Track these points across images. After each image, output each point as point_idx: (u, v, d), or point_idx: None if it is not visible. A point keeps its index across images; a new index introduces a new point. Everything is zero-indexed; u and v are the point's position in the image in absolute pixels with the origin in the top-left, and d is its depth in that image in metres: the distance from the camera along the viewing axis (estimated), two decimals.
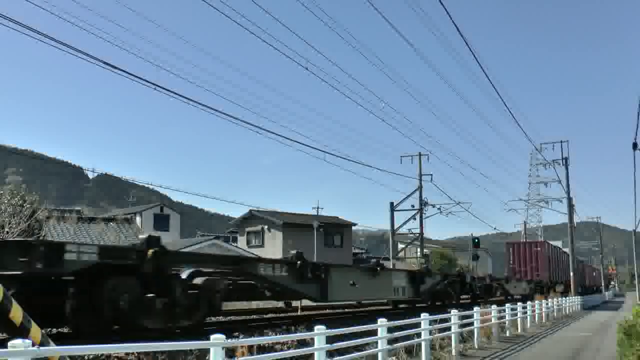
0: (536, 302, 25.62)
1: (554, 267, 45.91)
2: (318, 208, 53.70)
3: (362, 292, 16.84)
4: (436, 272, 25.88)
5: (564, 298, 34.95)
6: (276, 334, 11.03)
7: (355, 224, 50.74)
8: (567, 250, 48.96)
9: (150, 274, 9.63)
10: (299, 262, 13.91)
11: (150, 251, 9.69)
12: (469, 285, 26.43)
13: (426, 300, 22.71)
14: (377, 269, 17.63)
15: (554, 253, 47.46)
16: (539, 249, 44.32)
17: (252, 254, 31.68)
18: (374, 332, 10.12)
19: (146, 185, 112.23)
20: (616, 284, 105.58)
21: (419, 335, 11.85)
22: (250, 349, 8.49)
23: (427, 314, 12.45)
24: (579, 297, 40.21)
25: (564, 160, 45.38)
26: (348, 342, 9.12)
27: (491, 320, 17.21)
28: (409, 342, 11.58)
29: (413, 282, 20.18)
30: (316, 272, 14.42)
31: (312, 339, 8.24)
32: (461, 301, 25.45)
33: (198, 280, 10.63)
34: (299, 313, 18.27)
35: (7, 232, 19.91)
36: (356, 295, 17.29)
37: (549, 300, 29.60)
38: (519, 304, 21.92)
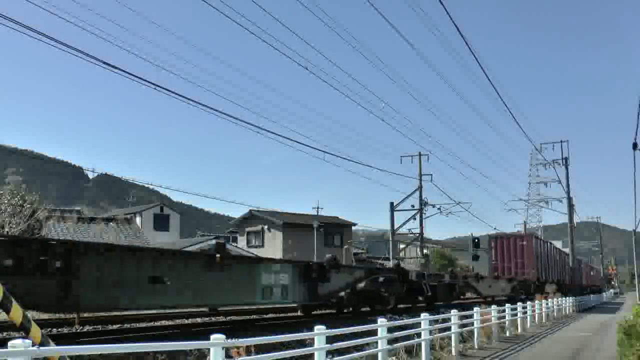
0: (536, 302, 25.62)
1: (544, 265, 40.88)
2: (318, 208, 53.76)
3: (181, 294, 10.32)
4: (356, 266, 19.92)
5: (562, 299, 34.72)
6: (276, 334, 11.03)
7: (355, 224, 50.76)
8: (567, 250, 48.98)
9: None
10: None
11: None
12: (417, 285, 20.15)
13: (340, 304, 16.91)
14: (216, 257, 11.07)
15: (544, 249, 42.19)
16: (524, 242, 38.65)
17: (252, 254, 31.68)
18: (374, 332, 10.12)
19: (146, 185, 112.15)
20: (616, 284, 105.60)
21: (419, 335, 11.85)
22: (249, 349, 8.49)
23: (427, 314, 12.44)
24: (570, 298, 37.33)
25: (564, 160, 45.45)
26: (348, 342, 9.12)
27: (491, 320, 17.21)
28: (409, 342, 11.58)
29: (306, 280, 13.88)
30: (41, 258, 8.23)
31: (312, 339, 8.24)
32: (416, 305, 20.79)
33: None
34: (298, 313, 18.25)
35: (7, 232, 19.92)
36: (159, 300, 10.15)
37: (549, 301, 29.57)
38: (507, 305, 19.57)
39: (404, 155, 43.40)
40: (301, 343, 8.51)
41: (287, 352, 7.64)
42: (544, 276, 40.96)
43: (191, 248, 35.18)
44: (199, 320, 15.37)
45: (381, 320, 10.25)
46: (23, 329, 5.75)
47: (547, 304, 27.51)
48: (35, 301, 8.23)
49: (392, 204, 41.81)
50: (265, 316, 17.20)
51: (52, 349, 5.47)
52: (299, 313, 17.38)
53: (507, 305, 19.79)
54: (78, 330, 11.71)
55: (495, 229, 52.27)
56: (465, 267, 49.52)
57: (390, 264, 36.81)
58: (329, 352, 8.49)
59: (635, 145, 18.92)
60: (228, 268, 11.49)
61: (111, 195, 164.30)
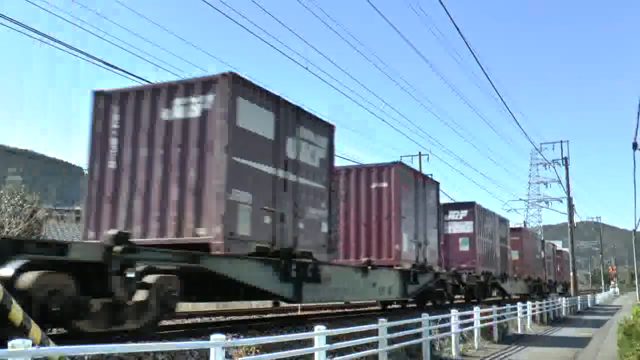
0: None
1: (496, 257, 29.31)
2: None
3: None
4: None
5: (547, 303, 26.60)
6: (276, 334, 11.03)
7: None
8: (567, 249, 48.82)
9: None
10: None
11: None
12: None
13: None
14: None
15: (497, 228, 30.31)
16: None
17: None
18: (374, 332, 10.11)
19: None
20: (616, 283, 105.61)
21: (419, 335, 11.84)
22: (250, 349, 8.49)
23: (427, 314, 12.43)
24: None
25: (564, 160, 45.37)
26: (348, 342, 9.12)
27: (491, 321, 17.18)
28: (409, 342, 11.57)
29: None
30: None
31: (312, 339, 8.24)
32: None
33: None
34: (299, 313, 18.27)
35: (7, 232, 19.93)
36: None
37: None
38: None
39: (404, 155, 43.31)
40: (301, 343, 8.50)
41: (287, 352, 7.64)
42: (502, 271, 29.90)
43: None
44: (198, 320, 15.37)
45: (381, 320, 10.26)
46: (23, 329, 5.75)
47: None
48: None
49: None
50: (264, 316, 17.21)
51: (52, 349, 5.47)
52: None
53: (508, 305, 19.61)
54: None
55: None
56: None
57: None
58: (329, 352, 8.49)
59: (635, 145, 18.94)
60: None
61: None
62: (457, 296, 24.63)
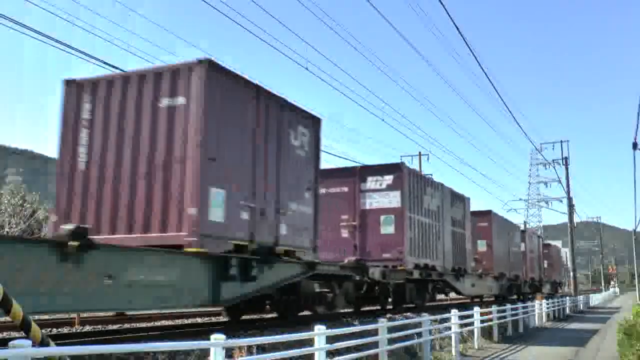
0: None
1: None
2: None
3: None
4: None
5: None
6: (276, 334, 11.02)
7: None
8: (567, 250, 48.84)
9: None
10: None
11: None
12: None
13: None
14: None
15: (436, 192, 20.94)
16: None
17: None
18: (374, 332, 10.11)
19: None
20: (616, 284, 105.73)
21: (419, 335, 11.84)
22: (250, 349, 8.49)
23: (427, 314, 12.43)
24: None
25: (564, 160, 45.41)
26: (348, 342, 9.12)
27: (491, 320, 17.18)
28: (409, 342, 11.57)
29: None
30: None
31: (312, 339, 8.24)
32: None
33: None
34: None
35: (7, 232, 19.95)
36: None
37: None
38: None
39: (404, 155, 43.25)
40: (301, 343, 8.50)
41: (287, 352, 7.64)
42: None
43: None
44: (199, 320, 15.38)
45: (381, 320, 10.25)
46: (23, 329, 5.74)
47: None
48: None
49: None
50: (265, 316, 17.21)
51: (52, 349, 5.46)
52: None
53: (508, 305, 19.58)
54: (78, 330, 11.71)
55: None
56: None
57: None
58: (329, 352, 8.49)
59: (635, 145, 18.97)
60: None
61: None
62: (389, 299, 17.90)
